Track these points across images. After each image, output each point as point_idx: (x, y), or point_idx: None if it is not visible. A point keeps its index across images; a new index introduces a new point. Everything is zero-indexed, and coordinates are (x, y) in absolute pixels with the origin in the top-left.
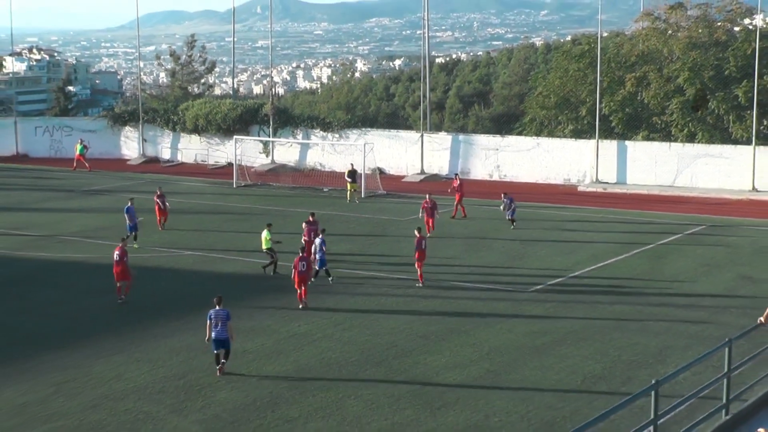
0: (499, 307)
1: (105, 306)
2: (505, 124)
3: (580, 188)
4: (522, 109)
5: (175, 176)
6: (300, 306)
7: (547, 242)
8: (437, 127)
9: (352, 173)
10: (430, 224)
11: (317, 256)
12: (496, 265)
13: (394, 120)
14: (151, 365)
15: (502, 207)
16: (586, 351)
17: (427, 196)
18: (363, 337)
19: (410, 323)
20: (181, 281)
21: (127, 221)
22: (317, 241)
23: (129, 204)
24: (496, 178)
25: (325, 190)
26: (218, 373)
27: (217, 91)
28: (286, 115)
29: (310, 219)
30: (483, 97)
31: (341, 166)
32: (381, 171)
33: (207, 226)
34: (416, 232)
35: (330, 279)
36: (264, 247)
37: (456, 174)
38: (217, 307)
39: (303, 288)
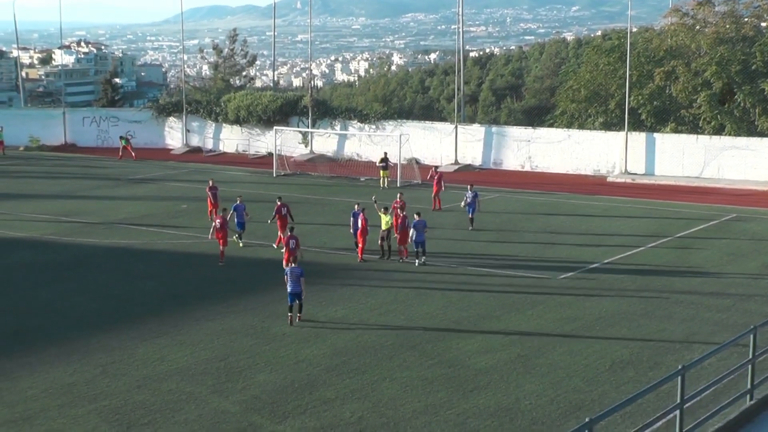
0: (530, 294)
1: (150, 290)
2: (536, 116)
3: (610, 179)
4: (553, 101)
5: (218, 165)
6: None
7: (576, 231)
8: (471, 119)
9: (384, 161)
10: (395, 224)
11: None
12: (527, 254)
13: (429, 112)
14: (194, 347)
15: (462, 203)
16: (614, 337)
17: (398, 196)
18: (398, 321)
19: (443, 309)
20: (223, 267)
21: (236, 218)
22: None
23: (238, 201)
24: (527, 168)
25: (362, 179)
26: (292, 322)
27: (258, 84)
28: (325, 107)
29: (278, 203)
30: (515, 90)
31: (378, 156)
32: (418, 161)
33: (249, 213)
34: (415, 216)
35: (421, 260)
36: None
37: (435, 167)
38: (292, 265)
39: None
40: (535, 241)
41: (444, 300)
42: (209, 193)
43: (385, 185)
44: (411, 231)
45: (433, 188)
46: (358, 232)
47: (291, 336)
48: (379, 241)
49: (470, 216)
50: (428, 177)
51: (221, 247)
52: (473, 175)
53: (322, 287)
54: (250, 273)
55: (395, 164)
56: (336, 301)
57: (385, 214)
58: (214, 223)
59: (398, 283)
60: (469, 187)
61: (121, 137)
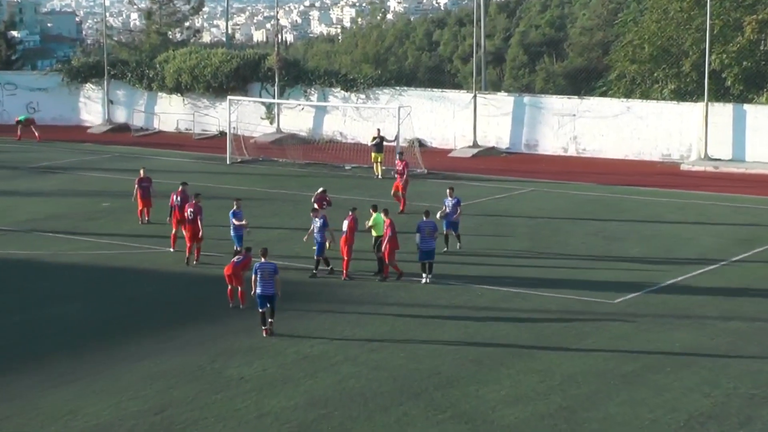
0: (576, 322)
1: (61, 318)
2: (584, 82)
3: (684, 167)
4: (607, 62)
5: (151, 149)
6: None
7: (639, 238)
8: (495, 86)
9: (379, 142)
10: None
11: (316, 240)
12: (571, 269)
13: (438, 77)
14: (119, 397)
15: (439, 214)
16: (691, 381)
17: (398, 156)
18: (396, 360)
19: (458, 343)
20: (158, 286)
21: (232, 230)
22: (318, 222)
23: (235, 207)
24: (572, 153)
25: (347, 167)
26: (265, 334)
27: (206, 38)
28: (297, 70)
29: (181, 189)
30: (555, 46)
31: (368, 136)
32: (421, 143)
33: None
34: (383, 215)
35: (329, 268)
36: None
37: (400, 153)
38: (263, 260)
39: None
40: (584, 250)
41: (459, 331)
42: (139, 186)
43: (380, 175)
44: (416, 237)
45: (395, 183)
46: (342, 239)
47: (251, 380)
48: (376, 253)
49: (449, 232)
50: (394, 172)
51: (190, 256)
52: (498, 162)
53: (293, 314)
54: (198, 294)
55: (395, 143)
56: (313, 333)
57: (373, 213)
58: (174, 226)
59: (397, 308)
60: (448, 192)
61: (18, 121)
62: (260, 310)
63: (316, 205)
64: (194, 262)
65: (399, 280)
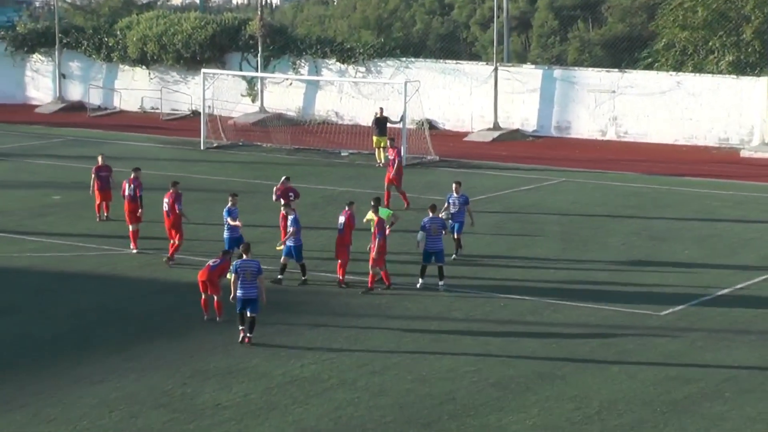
0: (616, 338)
1: (2, 333)
2: (625, 52)
3: (745, 153)
4: (652, 28)
5: (111, 132)
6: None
7: (691, 238)
8: (520, 57)
9: (382, 123)
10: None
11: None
12: (610, 274)
13: (452, 46)
14: (72, 427)
15: (444, 213)
16: (754, 409)
17: (347, 207)
18: (403, 384)
19: (477, 363)
20: (118, 295)
21: (226, 231)
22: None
23: (230, 203)
24: (611, 136)
25: (343, 153)
26: (245, 342)
27: (176, 0)
28: (284, 38)
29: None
30: (591, 10)
31: (369, 115)
32: (431, 125)
33: (160, 210)
34: (429, 212)
35: (304, 279)
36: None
37: (391, 139)
38: (245, 257)
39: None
40: (625, 252)
41: (477, 348)
42: (97, 176)
43: (383, 162)
44: (419, 234)
45: (387, 174)
46: (338, 239)
47: (230, 408)
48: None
49: (454, 236)
50: (391, 159)
51: (170, 255)
52: (523, 148)
53: (280, 328)
54: (166, 304)
55: (400, 124)
56: (303, 351)
57: (375, 211)
58: (132, 226)
59: (403, 321)
60: (454, 187)
61: None
62: (239, 311)
63: (282, 200)
64: (170, 263)
65: (362, 293)
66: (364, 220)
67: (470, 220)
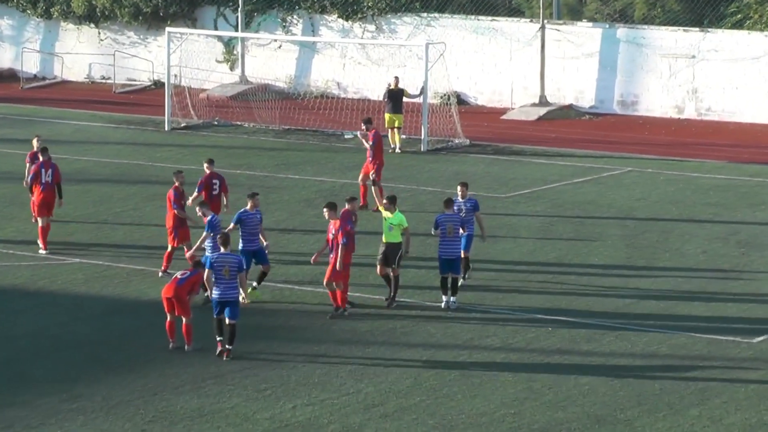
0: (697, 371)
1: None
2: (708, 6)
3: None
4: None
5: (51, 109)
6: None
7: None
8: (573, 13)
9: (397, 96)
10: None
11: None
12: (689, 289)
13: None
14: None
15: (448, 223)
16: None
17: (347, 204)
18: (421, 429)
19: (517, 405)
20: (61, 317)
21: (241, 243)
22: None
23: (248, 206)
24: (690, 114)
25: (347, 136)
26: (224, 357)
27: None
28: None
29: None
30: None
31: (380, 87)
32: (460, 100)
33: (113, 208)
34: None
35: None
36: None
37: (367, 120)
38: (222, 250)
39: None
40: (706, 265)
41: (518, 386)
42: (31, 164)
43: (398, 146)
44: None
45: (365, 165)
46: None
47: None
48: (378, 267)
49: (462, 254)
50: (370, 139)
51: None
52: (578, 128)
53: (267, 360)
54: (121, 328)
55: (419, 98)
56: (294, 389)
57: (389, 208)
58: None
59: (423, 350)
60: (459, 191)
61: None
62: (215, 317)
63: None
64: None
65: (340, 314)
66: (385, 232)
67: (481, 232)
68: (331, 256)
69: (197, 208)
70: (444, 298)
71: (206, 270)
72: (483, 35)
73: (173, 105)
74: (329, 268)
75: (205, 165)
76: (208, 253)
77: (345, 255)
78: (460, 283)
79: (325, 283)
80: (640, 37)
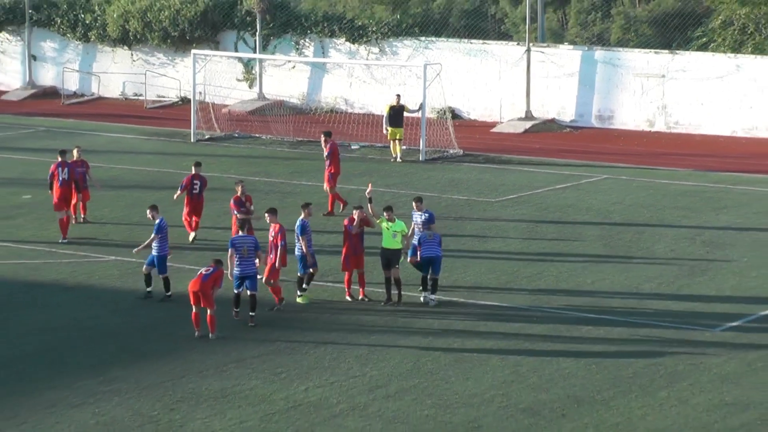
0: (665, 358)
1: None
2: (677, 31)
3: None
4: (708, 4)
5: (89, 122)
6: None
7: (751, 243)
8: (556, 36)
9: (398, 112)
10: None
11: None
12: (660, 283)
13: (479, 23)
14: None
15: (410, 231)
16: None
17: (355, 211)
18: (421, 410)
19: (505, 386)
20: (96, 309)
21: (297, 249)
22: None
23: (303, 216)
24: (660, 127)
25: (353, 147)
26: (250, 322)
27: None
28: (286, 14)
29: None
30: None
31: (383, 103)
32: (455, 114)
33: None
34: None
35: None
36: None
37: (326, 132)
38: (241, 233)
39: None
40: (674, 263)
41: (506, 370)
42: (69, 171)
43: (399, 157)
44: (413, 241)
45: (326, 176)
46: (345, 247)
47: None
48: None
49: (427, 275)
50: (326, 150)
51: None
52: (559, 140)
53: (282, 347)
54: (151, 319)
55: (418, 113)
56: (307, 373)
57: (388, 219)
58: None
59: (422, 338)
60: (414, 205)
61: None
62: (235, 291)
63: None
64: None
65: (273, 311)
66: (384, 237)
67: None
68: (271, 256)
69: (147, 211)
70: (424, 294)
71: (229, 249)
72: (475, 57)
73: (198, 119)
74: (267, 267)
75: (193, 167)
76: (154, 253)
77: (282, 256)
78: (429, 298)
79: (264, 280)
80: (615, 58)
